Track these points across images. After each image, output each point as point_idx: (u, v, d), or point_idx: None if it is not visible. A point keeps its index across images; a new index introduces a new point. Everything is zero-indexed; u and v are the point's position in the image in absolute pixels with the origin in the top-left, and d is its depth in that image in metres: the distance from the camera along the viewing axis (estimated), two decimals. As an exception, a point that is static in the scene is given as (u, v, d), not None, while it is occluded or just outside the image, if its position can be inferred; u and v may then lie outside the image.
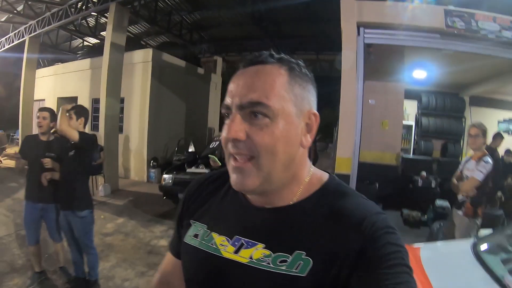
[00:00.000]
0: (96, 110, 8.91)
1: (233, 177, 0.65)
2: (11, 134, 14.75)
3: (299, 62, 0.68)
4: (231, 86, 0.65)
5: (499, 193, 5.51)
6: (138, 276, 3.54)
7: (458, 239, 2.91)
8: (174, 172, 6.16)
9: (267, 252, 0.64)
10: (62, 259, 3.47)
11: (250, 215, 0.70)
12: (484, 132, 3.25)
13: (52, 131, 3.22)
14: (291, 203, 0.68)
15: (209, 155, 5.17)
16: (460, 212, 3.29)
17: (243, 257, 0.65)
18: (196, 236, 0.74)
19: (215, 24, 10.76)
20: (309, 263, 0.59)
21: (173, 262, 0.85)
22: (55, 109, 3.31)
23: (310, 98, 0.68)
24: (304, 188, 0.69)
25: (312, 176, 0.71)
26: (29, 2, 9.42)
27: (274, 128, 0.61)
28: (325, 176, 0.73)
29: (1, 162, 10.19)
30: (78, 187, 2.92)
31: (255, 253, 0.65)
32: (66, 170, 2.93)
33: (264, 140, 0.61)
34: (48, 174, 3.04)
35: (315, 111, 0.68)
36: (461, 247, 2.25)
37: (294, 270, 0.60)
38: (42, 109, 3.18)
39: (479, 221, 3.21)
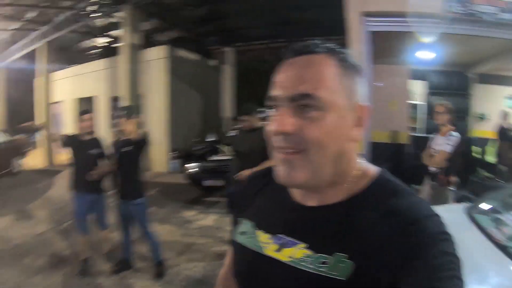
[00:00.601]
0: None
1: (280, 170, 0.62)
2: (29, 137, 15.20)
3: (348, 52, 0.66)
4: (279, 77, 0.63)
5: (502, 167, 5.81)
6: (177, 256, 3.99)
7: (452, 204, 3.27)
8: (199, 161, 6.66)
9: (309, 252, 0.61)
10: (107, 245, 3.87)
11: (293, 213, 0.68)
12: (449, 109, 3.58)
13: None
14: (337, 201, 0.64)
15: (220, 146, 5.54)
16: (434, 183, 3.63)
17: (285, 255, 0.64)
18: (243, 233, 0.74)
19: (223, 16, 10.98)
20: (350, 266, 0.56)
21: None
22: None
23: (360, 90, 0.65)
24: (352, 185, 0.64)
25: (361, 172, 0.66)
26: (40, 9, 9.72)
27: (324, 121, 0.58)
28: (375, 171, 0.67)
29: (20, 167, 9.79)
30: (136, 178, 3.37)
31: (296, 253, 0.62)
32: (125, 164, 3.33)
33: (314, 134, 0.58)
34: (100, 171, 3.48)
35: (365, 104, 0.65)
36: (457, 210, 2.63)
37: (334, 273, 0.57)
38: (84, 112, 3.60)
39: (453, 189, 3.57)
